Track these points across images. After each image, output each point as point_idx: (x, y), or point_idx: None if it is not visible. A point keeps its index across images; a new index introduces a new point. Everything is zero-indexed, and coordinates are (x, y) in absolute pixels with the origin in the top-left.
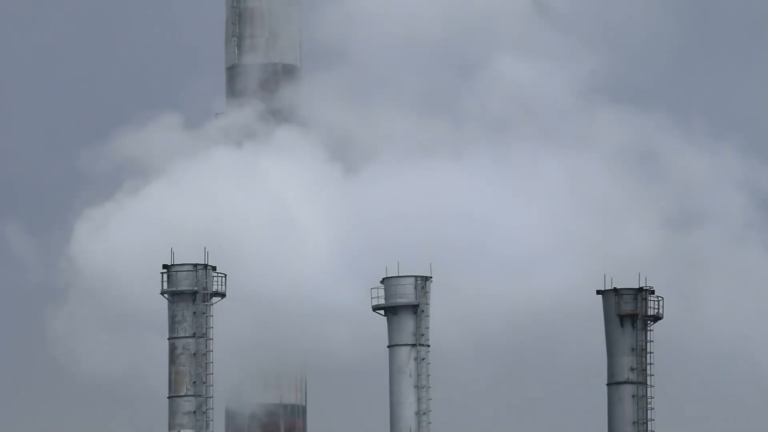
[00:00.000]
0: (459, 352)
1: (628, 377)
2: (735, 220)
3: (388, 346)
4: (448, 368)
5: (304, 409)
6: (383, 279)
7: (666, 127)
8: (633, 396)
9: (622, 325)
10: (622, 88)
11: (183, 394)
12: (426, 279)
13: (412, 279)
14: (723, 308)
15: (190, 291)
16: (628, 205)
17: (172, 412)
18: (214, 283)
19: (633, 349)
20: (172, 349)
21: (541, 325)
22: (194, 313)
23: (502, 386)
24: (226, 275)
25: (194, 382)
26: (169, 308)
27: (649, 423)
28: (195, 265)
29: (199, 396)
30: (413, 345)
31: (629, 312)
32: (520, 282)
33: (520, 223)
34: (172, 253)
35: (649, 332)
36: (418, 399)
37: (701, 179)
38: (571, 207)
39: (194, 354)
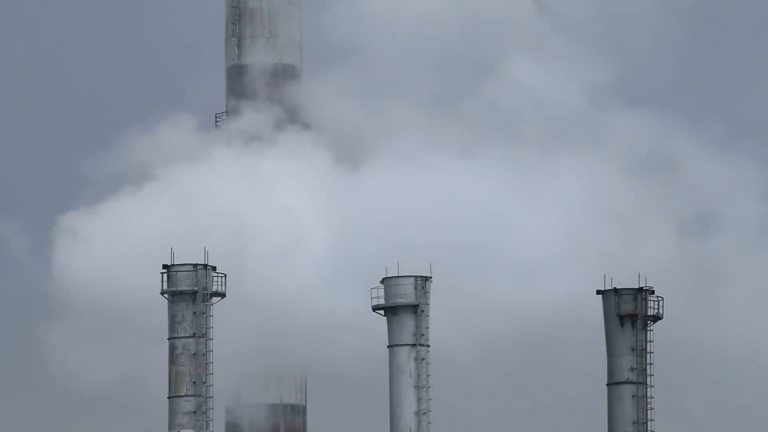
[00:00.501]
0: (460, 353)
1: (628, 377)
2: (750, 227)
3: (388, 346)
4: (449, 368)
5: (304, 409)
6: (383, 279)
7: (681, 132)
8: (633, 396)
9: (622, 325)
10: (635, 92)
11: (183, 394)
12: (426, 279)
13: (412, 279)
14: (731, 312)
15: (190, 291)
16: (639, 210)
17: (172, 412)
18: (214, 283)
19: (633, 349)
20: (172, 349)
21: (544, 328)
22: (194, 313)
23: (502, 386)
24: (226, 275)
25: (194, 382)
26: (169, 308)
27: (649, 423)
28: (195, 265)
29: (199, 396)
30: (413, 345)
31: (629, 312)
32: (525, 284)
33: (527, 225)
34: (172, 253)
35: (649, 332)
36: (418, 399)
37: (716, 185)
38: (581, 210)
39: (194, 354)
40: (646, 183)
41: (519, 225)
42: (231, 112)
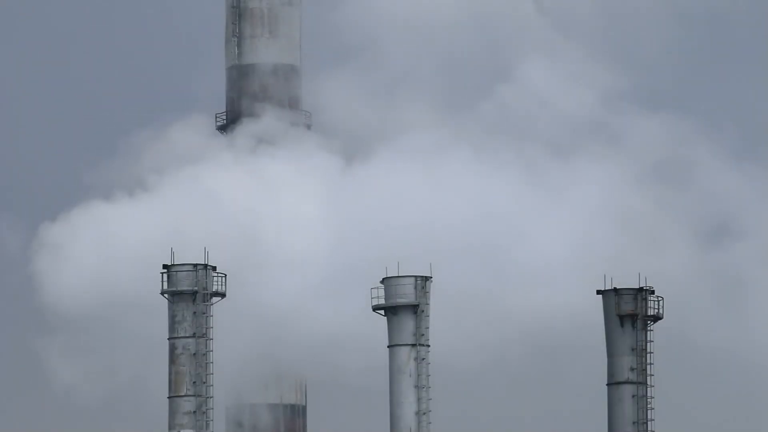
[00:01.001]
0: (461, 354)
1: (628, 377)
2: (766, 234)
3: (388, 346)
4: (450, 369)
5: (304, 409)
6: (383, 279)
7: (696, 138)
8: (633, 396)
9: (622, 325)
10: (649, 97)
11: (183, 394)
12: (426, 279)
13: (412, 279)
14: (743, 316)
15: (190, 291)
16: (652, 215)
17: (172, 412)
18: (214, 283)
19: (633, 349)
20: (172, 349)
21: (547, 330)
22: (194, 313)
23: (503, 387)
24: (226, 275)
25: (194, 382)
26: (169, 308)
27: (649, 423)
28: (195, 265)
29: (199, 396)
30: (413, 345)
31: (629, 312)
32: (532, 290)
33: (536, 229)
34: (172, 253)
35: (649, 332)
36: (418, 399)
37: (732, 192)
38: (592, 215)
39: (194, 354)
40: (660, 188)
41: (529, 229)
42: (231, 112)
